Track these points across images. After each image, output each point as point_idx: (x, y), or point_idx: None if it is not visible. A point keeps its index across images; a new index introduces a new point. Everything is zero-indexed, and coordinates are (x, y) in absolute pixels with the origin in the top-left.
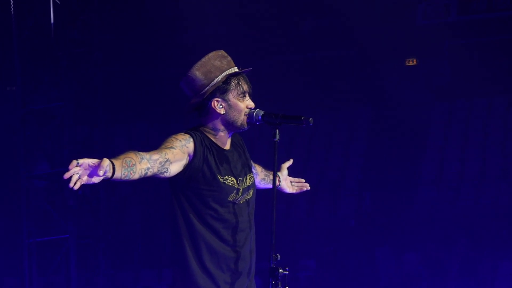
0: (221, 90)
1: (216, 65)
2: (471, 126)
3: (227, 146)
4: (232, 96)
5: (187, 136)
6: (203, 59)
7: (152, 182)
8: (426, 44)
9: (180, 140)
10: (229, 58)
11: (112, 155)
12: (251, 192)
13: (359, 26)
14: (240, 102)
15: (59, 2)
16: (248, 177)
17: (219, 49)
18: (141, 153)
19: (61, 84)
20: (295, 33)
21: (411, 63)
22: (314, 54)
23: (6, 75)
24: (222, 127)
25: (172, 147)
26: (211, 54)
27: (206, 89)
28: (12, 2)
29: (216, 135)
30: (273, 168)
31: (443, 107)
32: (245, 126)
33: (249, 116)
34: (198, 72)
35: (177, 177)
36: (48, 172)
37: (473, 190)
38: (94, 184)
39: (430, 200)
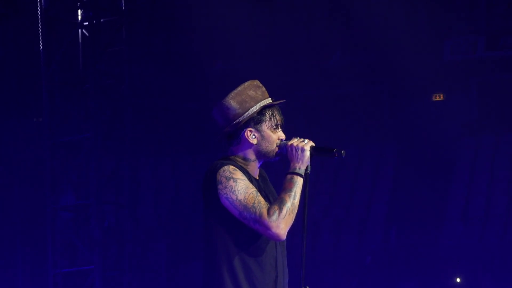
0: (256, 120)
1: (251, 95)
2: (497, 162)
3: (257, 176)
4: (266, 127)
5: (237, 169)
6: (239, 88)
7: (176, 214)
8: (453, 80)
9: (242, 174)
10: (264, 88)
11: (138, 188)
12: None
13: (386, 61)
14: (273, 133)
15: (87, 34)
16: None
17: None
18: (262, 201)
19: (88, 116)
20: (323, 68)
21: (438, 99)
22: (341, 89)
23: (33, 106)
24: (253, 157)
25: (250, 185)
26: (246, 84)
27: (240, 118)
28: (40, 33)
29: (247, 165)
30: (304, 200)
31: (470, 143)
32: (275, 157)
33: (280, 147)
34: (233, 101)
35: (227, 207)
36: (74, 203)
37: (499, 226)
38: (119, 216)
39: (456, 236)
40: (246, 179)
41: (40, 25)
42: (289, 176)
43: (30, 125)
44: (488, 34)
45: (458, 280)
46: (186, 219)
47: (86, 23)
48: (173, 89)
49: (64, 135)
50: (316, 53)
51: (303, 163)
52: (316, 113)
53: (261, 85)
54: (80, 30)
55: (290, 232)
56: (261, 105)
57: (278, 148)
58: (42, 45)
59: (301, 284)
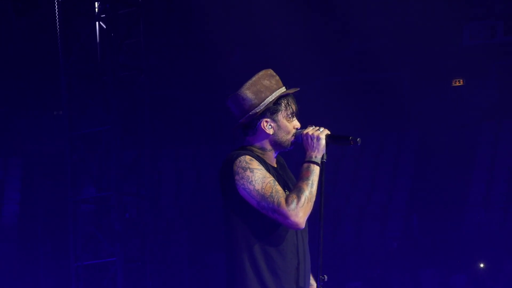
0: (272, 110)
1: (266, 85)
2: None
3: (274, 164)
4: (282, 116)
5: (254, 159)
6: (253, 78)
7: (198, 204)
8: (473, 65)
9: (258, 164)
10: (277, 77)
11: (159, 179)
12: None
13: (406, 47)
14: (289, 122)
15: (105, 27)
16: None
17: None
18: (280, 190)
19: (107, 108)
20: (342, 55)
21: (457, 84)
22: (361, 76)
23: (53, 99)
24: (269, 147)
25: (267, 174)
26: (260, 73)
27: (256, 109)
28: (58, 26)
29: (264, 154)
30: (320, 189)
31: (491, 127)
32: (291, 146)
33: (296, 136)
34: (248, 91)
35: (245, 197)
36: (95, 196)
37: None
38: (140, 208)
39: (478, 222)
40: (263, 168)
41: (58, 18)
42: (305, 165)
43: (50, 118)
44: (506, 18)
45: (481, 265)
46: (207, 209)
47: (103, 15)
48: (192, 79)
49: (84, 127)
50: (335, 40)
51: (319, 151)
52: (336, 100)
53: (274, 74)
54: (97, 22)
55: (311, 221)
56: (277, 95)
57: (294, 137)
58: (59, 38)
59: (319, 273)
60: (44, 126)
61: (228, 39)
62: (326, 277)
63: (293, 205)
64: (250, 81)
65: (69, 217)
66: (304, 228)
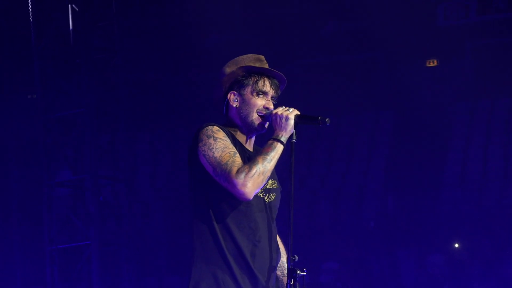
0: (239, 83)
1: (244, 62)
2: (493, 126)
3: (249, 147)
4: (247, 91)
5: (221, 130)
6: (238, 57)
7: (174, 188)
8: (447, 45)
9: (224, 135)
10: (265, 62)
11: (134, 162)
12: (272, 196)
13: (380, 28)
14: (256, 99)
15: (77, 9)
16: (269, 182)
17: (242, 54)
18: (238, 161)
19: (81, 91)
20: (317, 36)
21: (431, 64)
22: (336, 57)
23: (26, 83)
24: (237, 123)
25: (230, 145)
26: (247, 55)
27: (226, 83)
28: (30, 10)
29: (235, 132)
30: (290, 169)
31: (465, 108)
32: (257, 125)
33: (265, 116)
34: (227, 67)
35: (204, 164)
36: (70, 179)
37: (496, 190)
38: (116, 191)
39: (453, 201)
40: (229, 140)
41: (30, 0)
42: (269, 142)
43: (23, 101)
44: None
45: (456, 245)
46: (183, 193)
47: None
48: (167, 62)
49: (58, 110)
50: (309, 22)
51: (287, 131)
52: (311, 82)
53: (263, 59)
54: (70, 5)
55: (284, 202)
56: (240, 66)
57: (264, 117)
58: (32, 21)
59: (289, 253)
60: (18, 110)
61: (203, 20)
62: (296, 257)
63: (242, 175)
64: (233, 59)
65: (44, 200)
66: (272, 209)
